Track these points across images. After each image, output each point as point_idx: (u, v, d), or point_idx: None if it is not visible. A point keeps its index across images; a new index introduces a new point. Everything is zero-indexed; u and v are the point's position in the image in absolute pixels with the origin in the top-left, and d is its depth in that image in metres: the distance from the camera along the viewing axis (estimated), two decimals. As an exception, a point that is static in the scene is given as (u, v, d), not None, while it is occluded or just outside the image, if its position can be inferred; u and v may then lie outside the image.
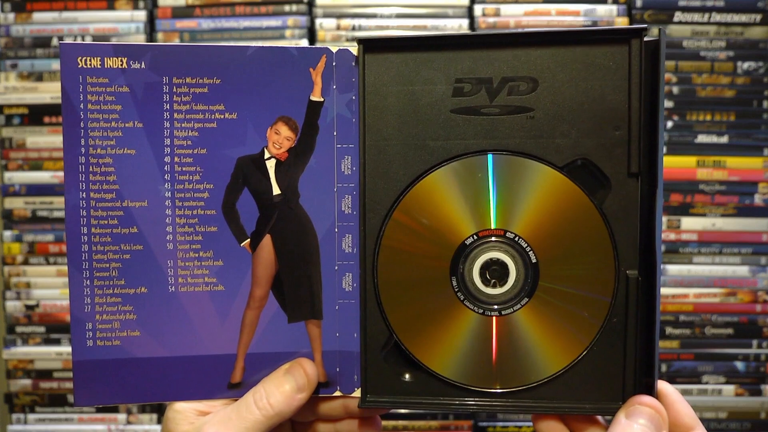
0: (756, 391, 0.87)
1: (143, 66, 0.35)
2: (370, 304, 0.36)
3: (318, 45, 0.87)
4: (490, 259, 0.35)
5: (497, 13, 0.87)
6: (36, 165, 0.90)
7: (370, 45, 0.35)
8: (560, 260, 0.35)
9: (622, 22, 0.87)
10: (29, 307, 0.90)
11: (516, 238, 0.35)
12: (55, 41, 0.89)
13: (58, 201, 0.89)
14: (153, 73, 0.35)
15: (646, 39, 0.33)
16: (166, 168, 0.36)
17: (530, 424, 0.87)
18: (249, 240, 0.36)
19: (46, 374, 0.90)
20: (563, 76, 0.34)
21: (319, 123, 0.36)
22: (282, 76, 0.35)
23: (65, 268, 0.88)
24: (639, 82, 0.33)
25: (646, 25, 0.33)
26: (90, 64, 0.35)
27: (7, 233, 0.90)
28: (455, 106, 0.35)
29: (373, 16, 0.88)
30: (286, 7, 0.88)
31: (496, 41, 0.35)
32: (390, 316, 0.36)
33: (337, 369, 0.37)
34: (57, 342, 0.90)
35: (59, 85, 0.87)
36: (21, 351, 0.90)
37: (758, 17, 0.86)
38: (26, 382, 0.90)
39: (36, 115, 0.89)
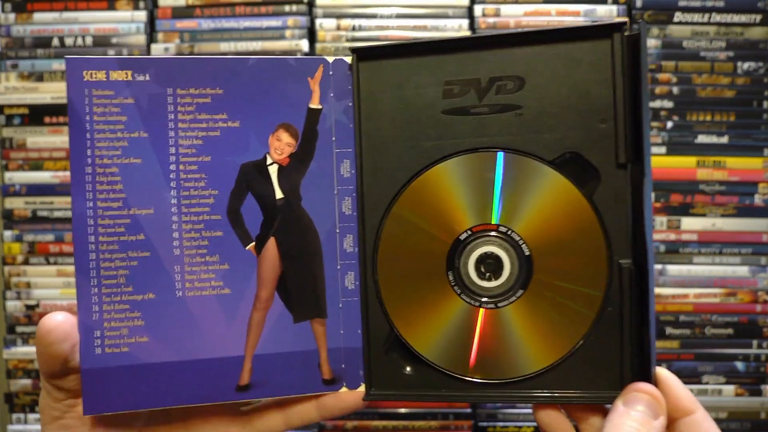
0: (756, 391, 0.87)
1: (148, 78, 0.36)
2: (372, 301, 0.37)
3: (318, 45, 0.88)
4: (485, 253, 0.36)
5: (497, 14, 0.88)
6: (36, 165, 0.90)
7: (362, 53, 0.37)
8: (553, 252, 0.36)
9: (622, 23, 0.87)
10: (29, 307, 0.90)
11: (509, 232, 0.36)
12: (56, 41, 0.89)
13: (59, 201, 0.90)
14: (157, 85, 0.36)
15: (628, 33, 0.34)
16: (171, 176, 0.37)
17: (531, 424, 0.87)
18: (254, 243, 0.37)
19: (47, 374, 0.90)
20: (548, 73, 0.35)
21: (318, 129, 0.37)
22: (281, 85, 0.37)
23: (66, 268, 0.89)
24: (622, 74, 0.34)
25: (626, 19, 0.34)
26: (95, 77, 0.36)
27: (7, 233, 0.90)
28: (446, 107, 0.36)
29: (373, 16, 0.88)
30: (286, 7, 0.88)
31: (482, 43, 0.36)
32: (391, 312, 0.37)
33: (343, 366, 0.38)
34: (57, 342, 0.90)
35: (60, 85, 0.88)
36: (21, 351, 0.90)
37: (758, 17, 0.86)
38: (26, 382, 0.90)
39: (36, 115, 0.89)
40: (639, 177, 0.34)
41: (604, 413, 0.35)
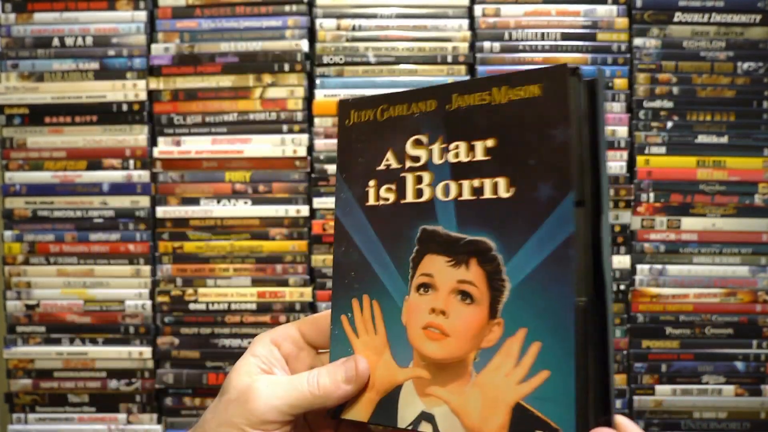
0: (756, 391, 0.87)
1: None
2: None
3: (318, 45, 0.88)
4: None
5: (497, 14, 0.88)
6: (36, 165, 0.90)
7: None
8: None
9: (622, 23, 0.87)
10: (29, 307, 0.90)
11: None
12: (56, 41, 0.89)
13: (59, 201, 0.90)
14: None
15: (586, 78, 0.33)
16: None
17: None
18: None
19: (46, 374, 0.90)
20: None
21: None
22: None
23: (65, 267, 0.89)
24: (578, 116, 0.32)
25: (577, 65, 0.33)
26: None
27: (8, 233, 0.90)
28: None
29: (373, 16, 0.88)
30: (286, 7, 0.88)
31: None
32: None
33: None
34: (57, 342, 0.90)
35: (60, 85, 0.87)
36: (21, 351, 0.90)
37: (758, 17, 0.86)
38: (26, 382, 0.90)
39: (37, 115, 0.89)
40: (596, 214, 0.33)
41: None
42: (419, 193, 0.35)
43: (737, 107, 0.86)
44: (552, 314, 0.31)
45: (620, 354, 0.87)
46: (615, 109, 0.87)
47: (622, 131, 0.87)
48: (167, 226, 0.90)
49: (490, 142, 0.33)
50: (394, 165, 0.36)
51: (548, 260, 0.31)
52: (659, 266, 0.87)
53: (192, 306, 0.89)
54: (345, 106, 0.38)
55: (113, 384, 0.90)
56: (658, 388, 0.87)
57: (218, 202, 0.89)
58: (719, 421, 0.88)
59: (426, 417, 0.34)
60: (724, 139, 0.86)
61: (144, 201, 0.89)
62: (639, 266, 0.87)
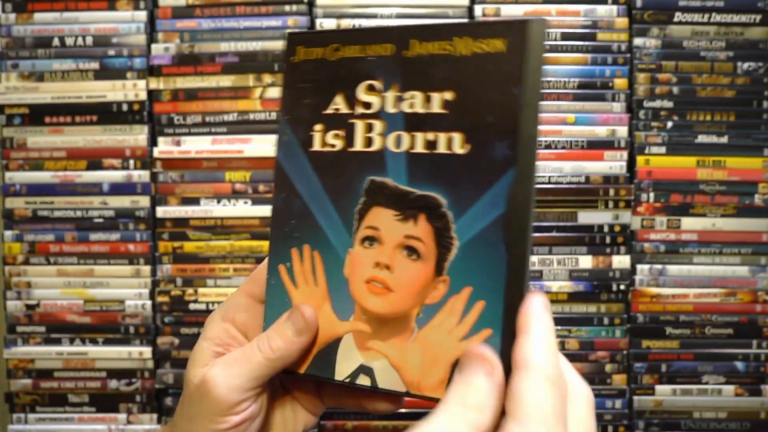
0: (756, 391, 0.87)
1: None
2: None
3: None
4: None
5: (497, 14, 0.88)
6: (37, 165, 0.90)
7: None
8: None
9: (622, 23, 0.87)
10: (29, 307, 0.90)
11: None
12: (56, 41, 0.89)
13: (59, 201, 0.90)
14: None
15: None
16: None
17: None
18: None
19: (47, 374, 0.90)
20: None
21: None
22: None
23: (66, 267, 0.89)
24: (540, 74, 0.31)
25: (543, 18, 0.31)
26: None
27: (8, 233, 0.90)
28: None
29: (374, 16, 0.88)
30: (286, 7, 0.88)
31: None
32: None
33: None
34: (57, 342, 0.90)
35: (60, 85, 0.87)
36: (21, 351, 0.90)
37: (758, 17, 0.86)
38: (26, 382, 0.90)
39: (37, 115, 0.89)
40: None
41: None
42: (369, 141, 0.33)
43: (737, 107, 0.86)
44: (497, 275, 0.29)
45: (620, 354, 0.87)
46: (615, 109, 0.87)
47: (622, 131, 0.87)
48: (167, 226, 0.90)
49: (448, 95, 0.31)
50: (344, 110, 0.34)
51: (498, 220, 0.29)
52: (659, 266, 0.87)
53: (192, 306, 0.89)
54: (292, 41, 0.35)
55: (113, 384, 0.90)
56: (658, 388, 0.87)
57: (218, 202, 0.89)
58: (719, 421, 0.88)
59: (364, 370, 0.33)
60: (724, 139, 0.86)
61: (144, 201, 0.89)
62: (639, 266, 0.87)
